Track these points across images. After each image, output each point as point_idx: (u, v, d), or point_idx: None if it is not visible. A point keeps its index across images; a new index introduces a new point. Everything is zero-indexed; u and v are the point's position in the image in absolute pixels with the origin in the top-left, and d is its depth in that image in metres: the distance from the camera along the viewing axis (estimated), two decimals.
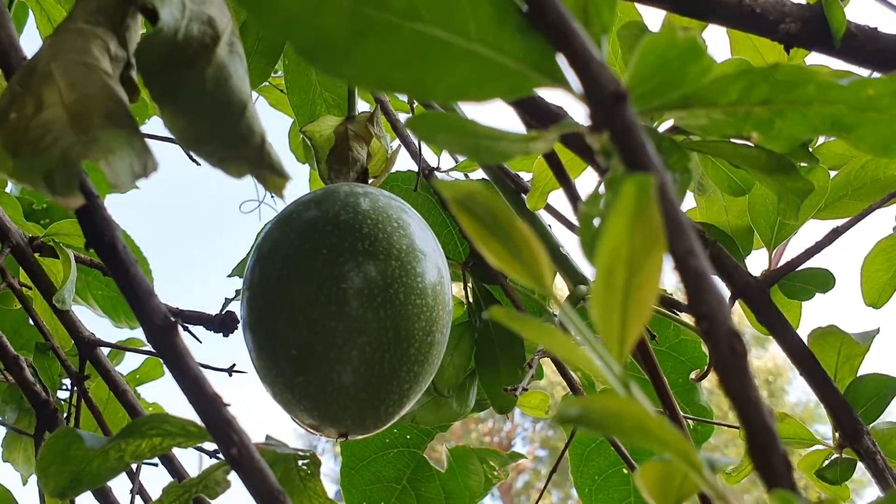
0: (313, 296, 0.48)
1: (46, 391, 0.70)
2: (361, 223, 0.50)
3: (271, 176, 0.38)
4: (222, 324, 0.71)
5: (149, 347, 0.70)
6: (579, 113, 0.54)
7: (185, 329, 0.77)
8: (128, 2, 0.38)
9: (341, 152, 0.57)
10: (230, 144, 0.37)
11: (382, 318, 0.48)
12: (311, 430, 0.51)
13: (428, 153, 0.80)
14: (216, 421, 0.38)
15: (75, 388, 0.66)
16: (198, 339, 0.79)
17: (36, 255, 0.65)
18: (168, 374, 0.40)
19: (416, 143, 0.69)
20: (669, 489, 0.26)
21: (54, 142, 0.33)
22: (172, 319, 0.40)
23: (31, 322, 1.00)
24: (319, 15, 0.26)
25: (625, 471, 0.82)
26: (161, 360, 0.40)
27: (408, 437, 0.88)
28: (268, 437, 0.42)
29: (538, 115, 0.51)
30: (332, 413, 0.49)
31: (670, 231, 0.23)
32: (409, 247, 0.50)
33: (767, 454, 0.24)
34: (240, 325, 0.54)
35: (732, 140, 0.40)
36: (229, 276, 0.86)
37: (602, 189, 0.30)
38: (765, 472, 0.24)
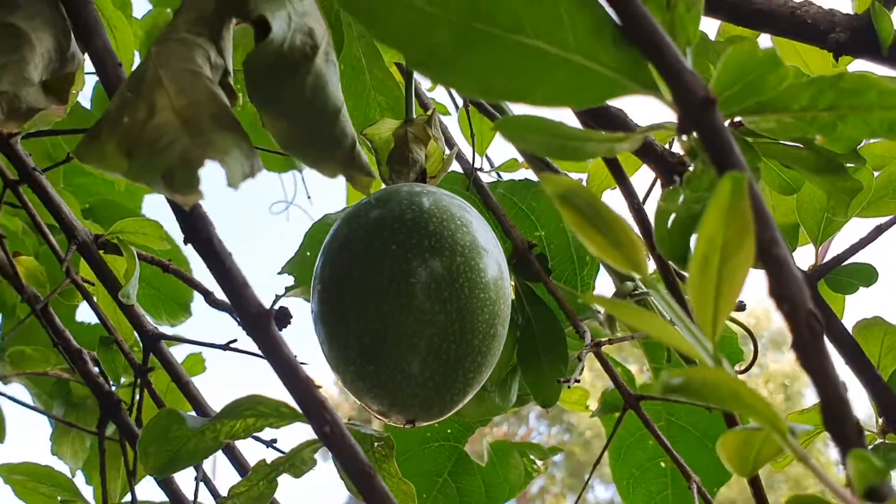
0: (384, 290, 0.51)
1: (109, 383, 0.73)
2: (427, 221, 0.53)
3: (360, 176, 0.42)
4: (277, 319, 0.75)
5: (208, 340, 0.73)
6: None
7: (238, 321, 0.81)
8: (226, 14, 0.41)
9: (401, 154, 0.61)
10: (325, 147, 0.40)
11: (449, 311, 0.51)
12: (380, 417, 0.54)
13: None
14: (309, 402, 0.41)
15: (139, 380, 0.70)
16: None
17: (100, 251, 0.69)
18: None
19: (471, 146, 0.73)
20: (748, 455, 0.29)
21: (170, 144, 0.37)
22: (266, 308, 0.44)
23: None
24: (431, 29, 0.30)
25: (662, 464, 0.84)
26: (257, 347, 0.43)
27: (448, 430, 0.91)
28: (350, 419, 0.45)
29: (592, 115, 0.55)
30: (402, 400, 0.52)
31: (757, 222, 0.26)
32: (472, 243, 0.53)
33: (842, 423, 0.27)
34: (311, 318, 0.57)
35: (784, 142, 0.43)
36: (279, 273, 0.89)
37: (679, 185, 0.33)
38: (839, 438, 0.27)
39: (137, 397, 0.70)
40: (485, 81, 0.30)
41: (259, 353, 0.49)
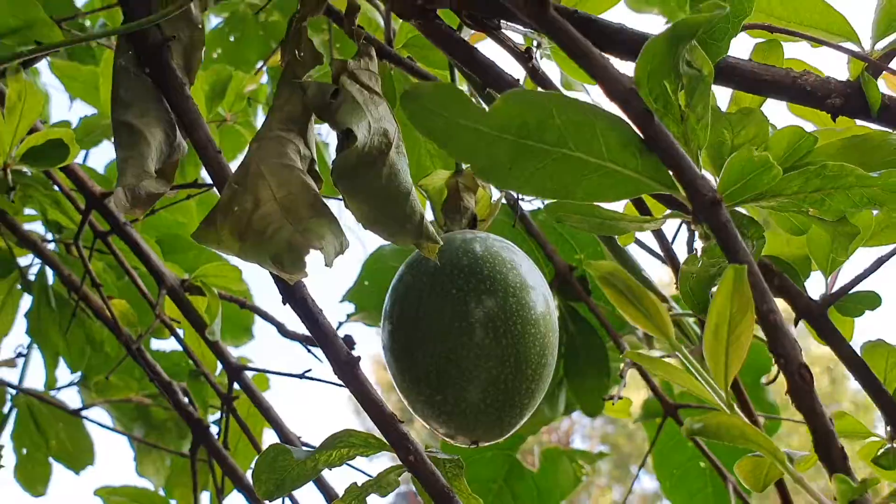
0: (447, 329, 0.59)
1: (197, 411, 0.82)
2: (482, 266, 0.61)
3: (427, 243, 0.50)
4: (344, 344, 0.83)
5: (286, 370, 0.82)
6: None
7: (308, 350, 0.90)
8: (311, 113, 0.49)
9: (454, 202, 0.69)
10: (399, 223, 0.48)
11: (504, 345, 0.59)
12: (447, 439, 0.62)
13: None
14: (394, 434, 0.49)
15: (225, 407, 0.78)
16: (318, 359, 0.91)
17: (187, 294, 0.78)
18: None
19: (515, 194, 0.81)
20: (759, 476, 0.37)
21: (276, 232, 0.45)
22: (354, 356, 0.52)
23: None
24: (491, 146, 0.37)
25: (701, 464, 0.92)
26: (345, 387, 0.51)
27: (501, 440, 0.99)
28: (427, 447, 0.53)
29: None
30: (466, 425, 0.60)
31: (756, 296, 0.34)
32: (521, 283, 0.61)
33: (829, 450, 0.34)
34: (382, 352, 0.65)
35: None
36: (341, 301, 0.98)
37: (698, 253, 0.41)
38: (827, 462, 0.34)
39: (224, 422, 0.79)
40: (537, 185, 0.38)
41: (332, 381, 0.57)
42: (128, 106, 0.54)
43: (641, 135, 0.37)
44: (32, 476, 1.04)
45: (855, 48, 0.52)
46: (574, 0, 0.64)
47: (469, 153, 0.38)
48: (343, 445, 0.51)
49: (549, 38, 0.41)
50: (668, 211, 0.40)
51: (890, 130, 0.52)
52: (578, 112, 0.36)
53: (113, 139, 0.52)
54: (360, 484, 0.53)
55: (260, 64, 1.17)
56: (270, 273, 0.52)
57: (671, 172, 0.36)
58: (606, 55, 0.43)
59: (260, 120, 1.31)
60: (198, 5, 0.56)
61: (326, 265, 0.44)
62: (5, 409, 1.06)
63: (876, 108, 0.50)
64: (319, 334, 0.51)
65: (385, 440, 0.50)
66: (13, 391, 1.07)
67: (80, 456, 1.04)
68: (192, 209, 1.05)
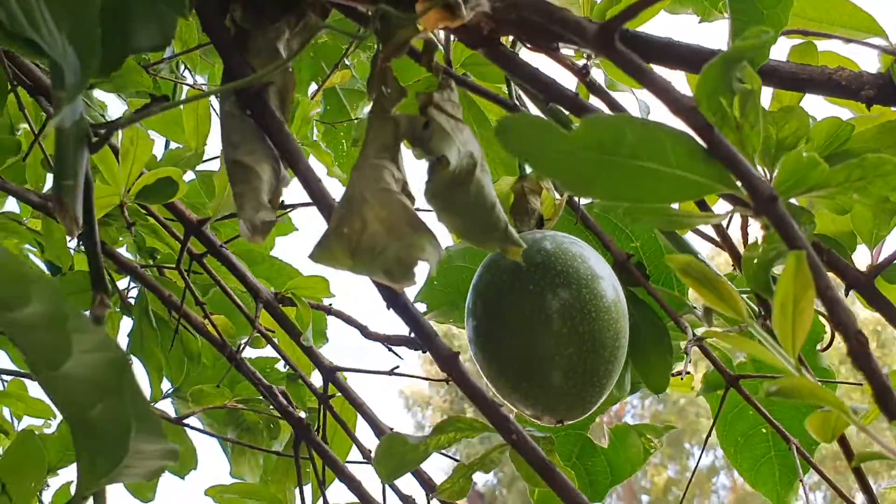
0: (528, 321, 0.65)
1: (296, 411, 0.89)
2: (554, 262, 0.67)
3: (512, 248, 0.56)
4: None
5: (376, 368, 0.88)
6: None
7: (389, 349, 0.97)
8: (401, 141, 0.56)
9: (521, 204, 0.75)
10: (486, 232, 0.55)
11: (582, 332, 0.65)
12: (534, 419, 0.69)
13: None
14: (497, 417, 0.56)
15: (321, 406, 0.85)
16: (399, 357, 0.98)
17: (280, 305, 0.85)
18: None
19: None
20: (828, 428, 0.43)
21: (384, 249, 0.52)
22: (453, 351, 0.58)
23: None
24: (575, 163, 0.44)
25: (763, 430, 0.97)
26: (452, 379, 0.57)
27: None
28: (526, 429, 0.59)
29: None
30: (551, 406, 0.66)
31: (815, 276, 0.39)
32: (592, 274, 0.67)
33: (888, 403, 0.40)
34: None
35: None
36: (413, 302, 1.04)
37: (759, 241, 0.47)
38: (887, 413, 0.40)
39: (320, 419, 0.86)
40: (615, 192, 0.44)
41: (415, 375, 0.63)
42: (237, 146, 0.61)
43: (704, 144, 0.43)
44: (141, 483, 1.12)
45: (883, 43, 0.57)
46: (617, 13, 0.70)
47: (556, 170, 0.44)
48: (451, 430, 0.58)
49: (615, 64, 0.47)
50: (732, 207, 0.46)
51: None
52: (647, 129, 0.42)
53: (228, 177, 0.59)
54: (466, 463, 0.60)
55: (315, 87, 1.24)
56: (374, 283, 0.58)
57: (732, 175, 0.42)
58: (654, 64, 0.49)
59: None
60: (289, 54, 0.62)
61: (430, 273, 0.50)
62: None
63: None
64: (421, 334, 0.58)
65: (488, 423, 0.56)
66: None
67: (184, 462, 1.12)
68: None
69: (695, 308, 0.90)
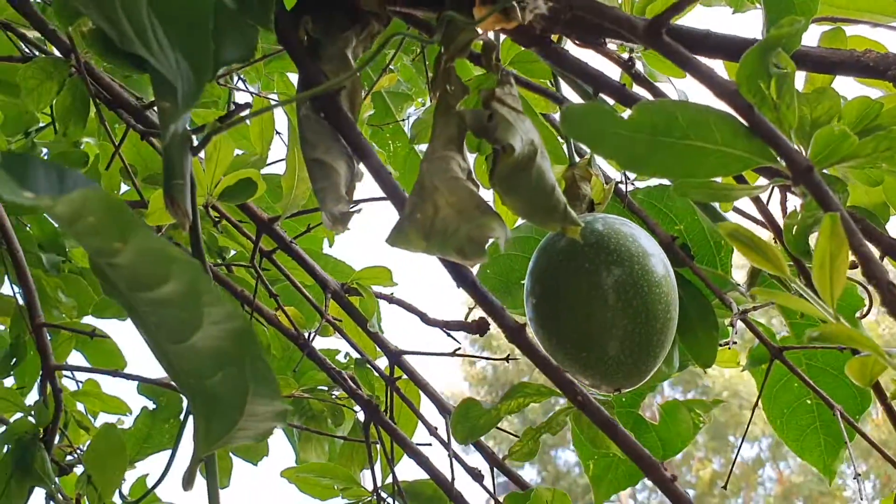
0: (585, 297, 0.71)
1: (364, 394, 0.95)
2: (607, 242, 0.72)
3: (572, 227, 0.62)
4: (479, 328, 0.96)
5: (438, 350, 0.94)
6: None
7: (448, 334, 1.02)
8: (464, 134, 0.62)
9: (573, 191, 0.80)
10: (547, 213, 0.60)
11: (636, 305, 0.70)
12: (592, 389, 0.74)
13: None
14: (563, 381, 0.61)
15: (388, 387, 0.92)
16: (457, 342, 1.04)
17: (347, 295, 0.91)
18: None
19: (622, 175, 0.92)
20: (866, 372, 0.48)
21: (456, 230, 0.57)
22: (520, 323, 0.64)
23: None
24: (631, 144, 0.49)
25: (808, 401, 1.02)
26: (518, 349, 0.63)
27: (623, 399, 1.10)
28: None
29: None
30: (608, 375, 0.72)
31: (849, 235, 0.45)
32: (642, 252, 0.72)
33: None
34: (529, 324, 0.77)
35: None
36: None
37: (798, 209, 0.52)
38: None
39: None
40: (668, 170, 0.50)
41: (476, 356, 0.68)
42: (315, 146, 0.67)
43: (746, 123, 0.48)
44: (252, 445, 1.20)
45: None
46: (661, 6, 0.76)
47: (614, 151, 0.50)
48: (520, 395, 0.63)
49: (660, 54, 0.52)
50: (772, 179, 0.51)
51: None
52: (696, 112, 0.48)
53: (308, 173, 0.65)
54: (535, 427, 0.65)
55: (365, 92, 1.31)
56: (443, 263, 0.64)
57: (772, 150, 0.47)
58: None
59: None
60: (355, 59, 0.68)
61: (504, 250, 0.56)
62: (182, 416, 1.21)
63: None
64: (490, 309, 0.63)
65: (555, 388, 0.62)
66: None
67: (257, 449, 1.19)
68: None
69: (738, 286, 0.95)
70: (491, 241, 0.56)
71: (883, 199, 0.69)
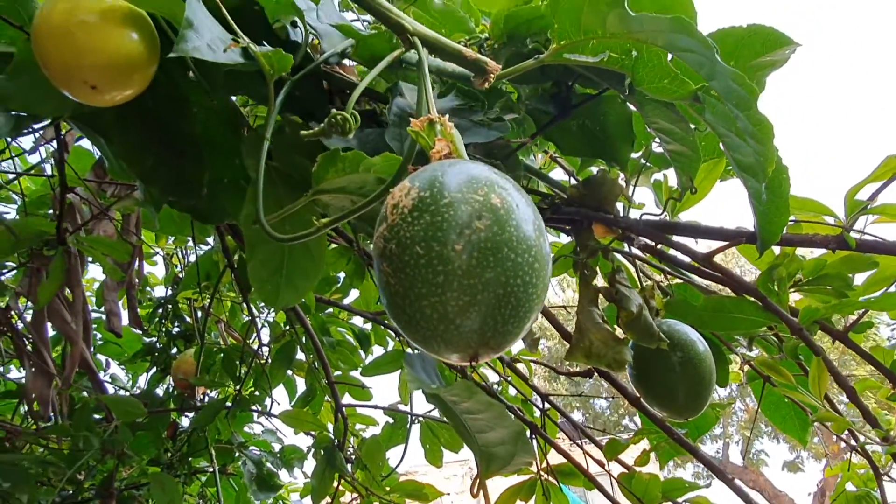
0: (662, 372, 0.86)
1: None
2: (672, 336, 0.87)
3: (661, 342, 0.77)
4: (587, 373, 1.10)
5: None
6: None
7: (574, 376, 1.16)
8: (598, 298, 0.78)
9: (648, 304, 0.95)
10: (650, 338, 0.75)
11: (692, 375, 0.84)
12: (668, 418, 0.88)
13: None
14: (649, 414, 0.76)
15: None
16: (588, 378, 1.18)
17: None
18: None
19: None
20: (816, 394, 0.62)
21: (605, 354, 0.73)
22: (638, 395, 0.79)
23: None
24: (702, 315, 0.64)
25: (786, 400, 1.13)
26: None
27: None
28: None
29: None
30: (679, 413, 0.86)
31: (827, 367, 0.59)
32: (692, 340, 0.87)
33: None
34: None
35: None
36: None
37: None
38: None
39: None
40: (721, 328, 0.65)
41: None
42: None
43: (761, 304, 0.63)
44: (433, 460, 1.36)
45: (832, 220, 0.76)
46: (682, 205, 0.90)
47: (693, 321, 0.65)
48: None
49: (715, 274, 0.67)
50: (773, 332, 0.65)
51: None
52: (736, 300, 0.63)
53: None
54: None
55: None
56: (598, 372, 0.80)
57: (777, 315, 0.62)
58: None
59: None
60: None
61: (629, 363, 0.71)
62: (408, 426, 1.38)
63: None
64: (615, 384, 0.79)
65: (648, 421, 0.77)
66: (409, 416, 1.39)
67: (459, 442, 1.35)
68: None
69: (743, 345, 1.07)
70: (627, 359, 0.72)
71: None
